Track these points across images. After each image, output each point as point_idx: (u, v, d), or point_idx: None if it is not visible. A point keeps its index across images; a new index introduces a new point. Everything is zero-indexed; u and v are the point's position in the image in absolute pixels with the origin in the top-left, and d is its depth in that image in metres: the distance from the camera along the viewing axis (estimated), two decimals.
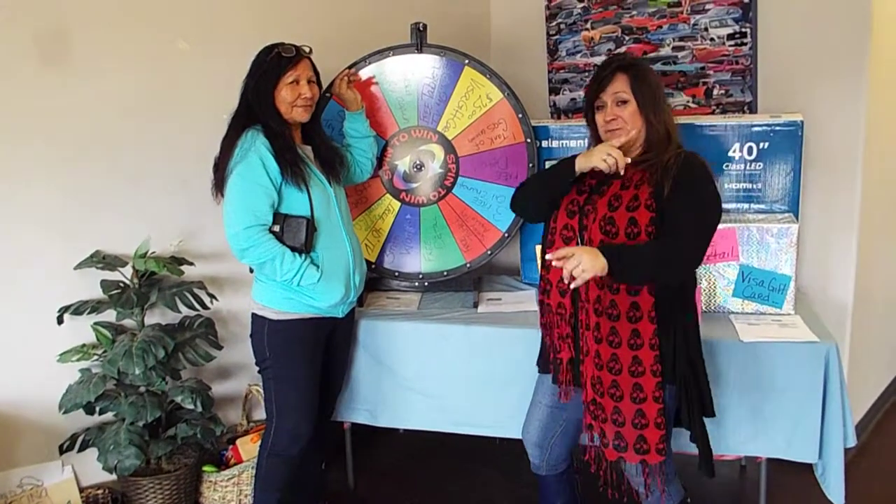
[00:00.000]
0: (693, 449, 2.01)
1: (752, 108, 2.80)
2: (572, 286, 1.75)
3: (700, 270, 2.42)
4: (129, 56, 2.52)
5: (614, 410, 1.89)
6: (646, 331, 1.84)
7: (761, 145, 2.51)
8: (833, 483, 2.20)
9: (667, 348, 1.87)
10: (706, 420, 1.96)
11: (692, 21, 2.85)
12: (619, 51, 3.03)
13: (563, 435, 2.12)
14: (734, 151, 2.53)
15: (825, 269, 2.77)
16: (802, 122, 2.47)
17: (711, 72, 2.85)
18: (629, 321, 1.85)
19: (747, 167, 2.53)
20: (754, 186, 2.53)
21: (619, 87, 1.91)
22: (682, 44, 2.89)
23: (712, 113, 2.84)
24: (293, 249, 2.09)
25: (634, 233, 1.83)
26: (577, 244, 1.91)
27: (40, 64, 2.37)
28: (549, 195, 2.01)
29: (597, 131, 2.00)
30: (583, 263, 1.69)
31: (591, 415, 1.94)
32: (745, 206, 2.55)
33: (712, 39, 2.82)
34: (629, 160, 1.88)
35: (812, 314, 2.43)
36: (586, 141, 2.56)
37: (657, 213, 1.83)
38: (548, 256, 1.79)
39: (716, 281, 2.43)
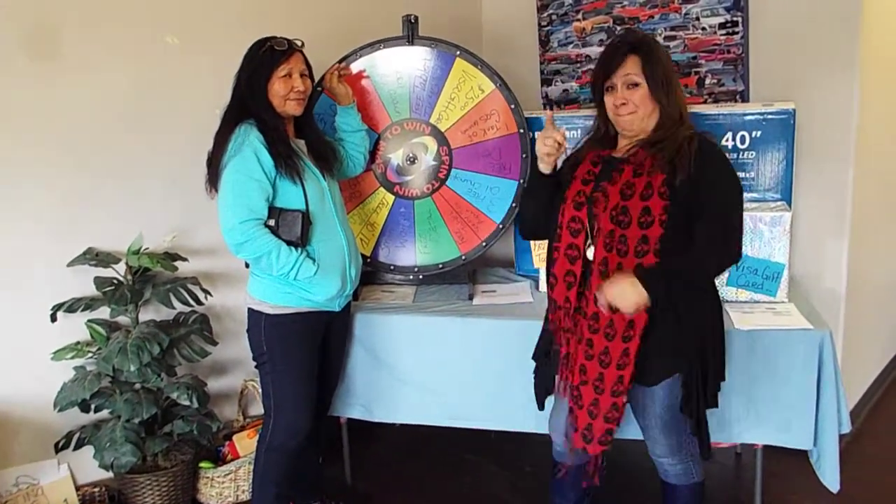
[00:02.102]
0: None
1: (744, 97, 2.80)
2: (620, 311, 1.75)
3: None
4: (118, 52, 2.50)
5: (592, 402, 1.88)
6: (640, 321, 1.80)
7: (754, 134, 2.51)
8: (828, 469, 2.21)
9: (667, 337, 1.83)
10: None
11: (683, 10, 2.85)
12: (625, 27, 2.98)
13: None
14: (727, 140, 2.53)
15: (818, 256, 2.79)
16: (794, 110, 2.47)
17: (703, 61, 2.85)
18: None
19: (740, 156, 2.53)
20: (747, 175, 2.53)
21: (630, 69, 1.82)
22: (673, 33, 2.88)
23: (704, 102, 2.84)
24: (289, 243, 2.09)
25: (648, 222, 1.77)
26: (586, 236, 1.86)
27: (29, 61, 2.35)
28: (540, 206, 1.99)
29: (605, 114, 1.91)
30: (625, 295, 1.71)
31: (573, 399, 1.93)
32: None
33: (704, 29, 2.82)
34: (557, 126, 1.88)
35: (806, 302, 2.44)
36: (579, 132, 2.57)
37: (671, 200, 1.76)
38: (599, 303, 1.78)
39: None
